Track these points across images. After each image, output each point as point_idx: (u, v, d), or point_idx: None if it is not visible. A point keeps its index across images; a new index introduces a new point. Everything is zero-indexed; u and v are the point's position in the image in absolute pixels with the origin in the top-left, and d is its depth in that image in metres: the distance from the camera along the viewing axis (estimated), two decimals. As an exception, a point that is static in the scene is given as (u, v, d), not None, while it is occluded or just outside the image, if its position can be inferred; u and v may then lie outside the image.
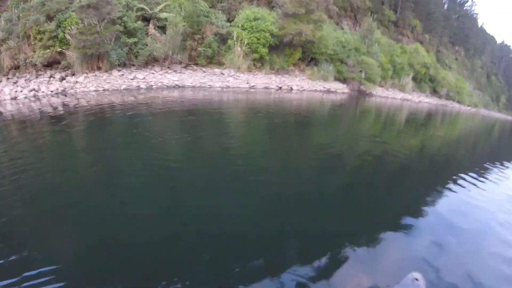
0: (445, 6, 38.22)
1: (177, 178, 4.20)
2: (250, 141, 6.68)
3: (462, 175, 5.49)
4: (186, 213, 3.38)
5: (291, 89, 14.15)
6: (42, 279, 2.29)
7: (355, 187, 4.55)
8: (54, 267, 2.42)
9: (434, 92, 25.93)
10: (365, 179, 4.89)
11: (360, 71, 17.15)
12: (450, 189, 4.75)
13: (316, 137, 7.62)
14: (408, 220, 3.55)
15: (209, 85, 12.54)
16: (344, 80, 16.86)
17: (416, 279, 2.20)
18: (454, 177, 5.39)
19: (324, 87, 15.34)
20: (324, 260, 2.67)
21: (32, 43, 13.36)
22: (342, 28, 19.71)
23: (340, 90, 16.07)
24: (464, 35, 39.81)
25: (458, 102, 28.47)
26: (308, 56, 15.88)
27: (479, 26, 48.63)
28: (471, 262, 2.90)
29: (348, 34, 18.33)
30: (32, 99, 11.91)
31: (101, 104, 10.55)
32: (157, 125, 7.42)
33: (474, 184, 5.11)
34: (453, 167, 6.51)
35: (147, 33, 13.18)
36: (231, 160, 5.03)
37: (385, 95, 18.83)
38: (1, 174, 4.11)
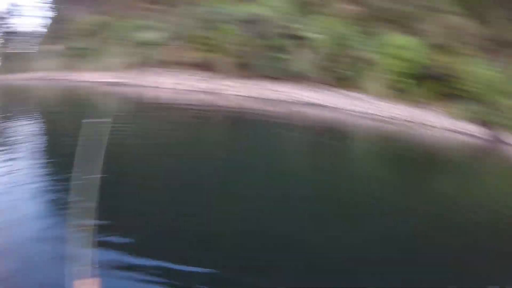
0: None
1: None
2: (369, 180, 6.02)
3: None
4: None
5: (430, 126, 13.10)
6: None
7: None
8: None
9: None
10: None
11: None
12: None
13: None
14: None
15: (348, 109, 12.55)
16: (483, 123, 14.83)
17: None
18: None
19: (467, 130, 13.77)
20: None
21: (191, 46, 15.62)
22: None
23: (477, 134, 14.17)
24: None
25: None
26: (454, 91, 14.49)
27: None
28: None
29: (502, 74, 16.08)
30: (186, 91, 13.97)
31: (242, 108, 11.60)
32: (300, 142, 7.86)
33: None
34: None
35: (295, 51, 13.98)
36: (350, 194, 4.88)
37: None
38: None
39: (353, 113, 12.64)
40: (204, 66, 15.40)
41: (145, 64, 16.36)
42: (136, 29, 16.76)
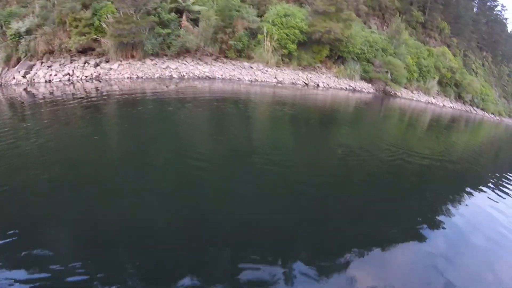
0: (475, 10, 36.99)
1: (198, 167, 4.17)
2: (273, 134, 6.81)
3: (482, 185, 5.40)
4: (204, 201, 3.38)
5: (317, 86, 14.23)
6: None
7: (373, 188, 4.51)
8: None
9: (459, 97, 25.29)
10: (383, 181, 4.79)
11: (386, 71, 16.98)
12: (469, 199, 4.67)
13: (339, 136, 7.60)
14: (422, 227, 3.50)
15: (238, 78, 12.80)
16: (369, 80, 16.75)
17: None
18: (474, 186, 5.28)
19: (350, 86, 15.33)
20: (333, 258, 2.69)
21: (67, 29, 13.92)
22: (370, 27, 19.52)
23: (366, 90, 16.00)
24: (493, 40, 38.43)
25: (482, 109, 27.64)
26: (336, 54, 15.87)
27: (509, 31, 46.76)
28: (482, 278, 2.80)
29: (376, 34, 18.16)
30: (67, 83, 12.48)
31: (134, 91, 10.95)
32: (186, 115, 7.63)
33: (494, 195, 4.94)
34: (473, 176, 6.37)
35: (180, 25, 13.53)
36: (252, 152, 5.11)
37: (410, 97, 18.59)
38: (28, 151, 4.41)
39: (247, 82, 12.95)
40: (86, 51, 13.97)
41: (24, 57, 14.09)
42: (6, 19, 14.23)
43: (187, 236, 2.83)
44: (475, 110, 26.44)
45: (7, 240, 2.51)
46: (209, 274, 2.38)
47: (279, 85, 13.27)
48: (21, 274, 2.22)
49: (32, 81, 12.67)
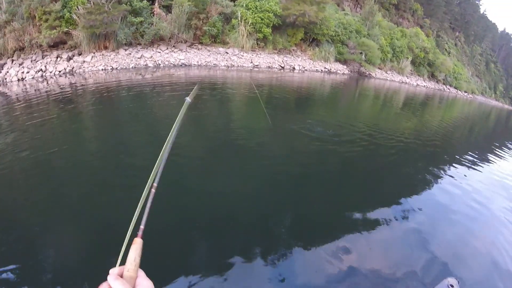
0: (447, -9, 37.99)
1: (177, 154, 4.00)
2: (251, 118, 6.93)
3: (457, 161, 5.59)
4: (184, 191, 3.32)
5: (293, 68, 14.55)
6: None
7: (351, 168, 4.56)
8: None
9: (432, 76, 26.31)
10: (361, 161, 4.83)
11: (361, 53, 17.49)
12: (445, 175, 4.76)
13: (316, 117, 7.69)
14: (401, 205, 3.56)
15: (214, 64, 12.92)
16: (344, 62, 17.23)
17: (452, 286, 2.12)
18: (450, 162, 5.44)
19: (325, 68, 15.74)
20: (316, 243, 2.69)
21: (37, 24, 13.54)
22: (344, 10, 19.88)
23: (341, 71, 16.47)
24: (465, 21, 39.75)
25: (456, 87, 28.87)
26: (310, 37, 16.17)
27: (481, 12, 48.39)
28: (460, 253, 2.90)
29: (350, 16, 18.55)
30: (40, 79, 12.20)
31: (109, 83, 10.84)
32: (163, 103, 7.66)
33: (469, 171, 5.12)
34: (448, 152, 6.49)
35: (153, 13, 13.42)
36: (231, 137, 5.13)
37: (384, 78, 19.24)
38: (5, 154, 4.15)
39: (223, 67, 13.09)
40: (58, 45, 13.66)
41: None
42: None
43: (176, 228, 2.81)
44: (448, 89, 27.58)
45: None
46: (196, 265, 2.36)
47: (256, 69, 13.49)
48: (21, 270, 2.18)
49: (4, 80, 12.34)
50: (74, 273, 2.24)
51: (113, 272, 0.60)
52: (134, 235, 0.65)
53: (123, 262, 0.63)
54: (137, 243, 0.63)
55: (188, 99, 0.85)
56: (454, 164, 5.41)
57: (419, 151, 6.02)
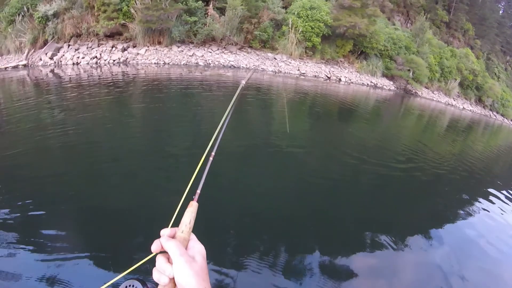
0: (501, 12, 35.90)
1: (217, 153, 4.17)
2: (293, 124, 6.88)
3: (495, 193, 5.26)
4: (218, 185, 3.38)
5: (339, 80, 14.27)
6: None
7: (385, 189, 4.49)
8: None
9: (479, 101, 24.80)
10: (396, 184, 4.76)
11: (408, 70, 16.84)
12: (482, 205, 4.56)
13: (357, 130, 7.63)
14: (431, 231, 3.46)
15: (262, 68, 12.97)
16: (391, 77, 16.67)
17: None
18: (489, 192, 5.18)
19: (371, 82, 15.30)
20: (338, 258, 2.68)
21: (95, 13, 14.26)
22: (394, 24, 19.31)
23: (387, 87, 15.94)
24: (517, 45, 37.25)
25: (502, 115, 27.03)
26: (359, 49, 15.82)
27: (535, 36, 45.10)
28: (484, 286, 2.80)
29: (400, 31, 17.97)
30: (94, 66, 12.84)
31: (161, 76, 11.20)
32: (210, 101, 7.77)
33: (506, 206, 4.84)
34: (488, 181, 6.18)
35: (207, 14, 13.75)
36: (270, 141, 5.21)
37: (430, 97, 18.39)
38: (50, 130, 4.59)
39: (270, 72, 13.11)
40: (113, 36, 14.34)
41: (51, 39, 14.53)
42: (33, 1, 14.69)
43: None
44: (495, 115, 25.88)
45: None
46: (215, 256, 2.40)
47: (302, 77, 13.38)
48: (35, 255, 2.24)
49: (60, 63, 13.09)
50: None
51: (165, 232, 0.60)
52: (189, 199, 0.65)
53: (175, 225, 0.63)
54: (193, 206, 0.64)
55: (243, 82, 0.90)
56: (492, 196, 5.09)
57: (459, 179, 5.74)
